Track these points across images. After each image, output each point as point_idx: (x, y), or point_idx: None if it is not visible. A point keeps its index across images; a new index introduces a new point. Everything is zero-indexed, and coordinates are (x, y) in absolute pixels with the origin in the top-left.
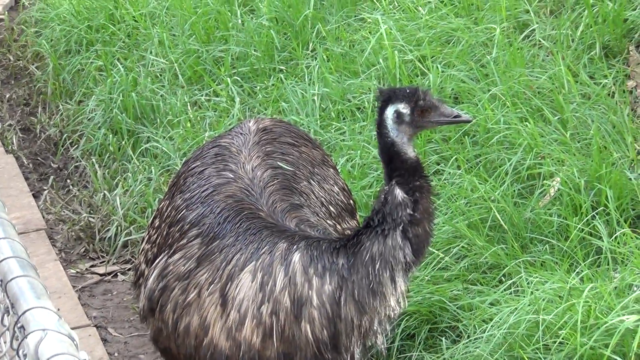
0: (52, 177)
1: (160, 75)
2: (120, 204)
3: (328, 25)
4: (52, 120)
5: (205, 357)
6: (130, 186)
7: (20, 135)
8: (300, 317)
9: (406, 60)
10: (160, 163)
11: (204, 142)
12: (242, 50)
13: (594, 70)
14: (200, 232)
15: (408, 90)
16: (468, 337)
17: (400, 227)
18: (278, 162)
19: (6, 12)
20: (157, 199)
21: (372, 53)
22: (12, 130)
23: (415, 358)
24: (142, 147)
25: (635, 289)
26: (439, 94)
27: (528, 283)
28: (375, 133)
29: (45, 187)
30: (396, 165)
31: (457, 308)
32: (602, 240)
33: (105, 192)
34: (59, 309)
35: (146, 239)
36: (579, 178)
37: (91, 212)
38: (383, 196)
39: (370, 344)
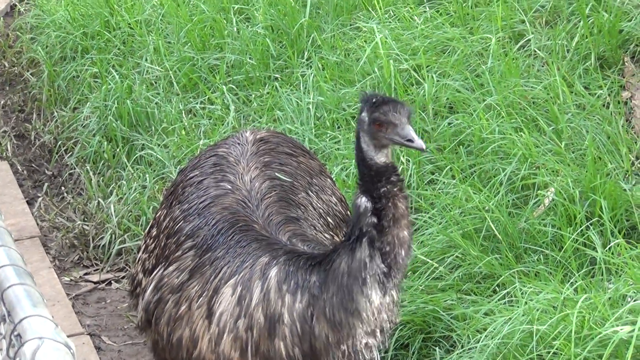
0: (46, 184)
1: (155, 82)
2: (115, 211)
3: (323, 34)
4: (47, 127)
5: None
6: (125, 194)
7: (15, 141)
8: (273, 334)
9: (401, 70)
10: (154, 171)
11: (200, 151)
12: (238, 58)
13: (589, 81)
14: (194, 244)
15: (374, 100)
16: (462, 347)
17: (366, 238)
18: (276, 173)
19: (1, 18)
20: (151, 207)
21: (368, 62)
22: (6, 136)
23: None
24: (136, 155)
25: (629, 299)
26: (433, 103)
27: (522, 293)
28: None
29: (39, 194)
30: (362, 172)
31: (451, 318)
32: (597, 251)
33: (100, 199)
34: (53, 317)
35: (143, 248)
36: (573, 188)
37: (85, 219)
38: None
39: (367, 357)
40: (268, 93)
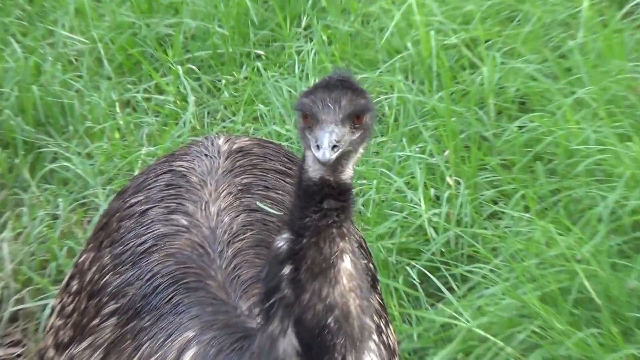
0: None
1: (77, 60)
2: (9, 254)
3: None
4: None
5: None
6: (26, 227)
7: None
8: None
9: (447, 45)
10: (72, 193)
11: (151, 164)
12: (201, 26)
13: None
14: (118, 308)
15: (319, 82)
16: None
17: (278, 300)
18: (258, 202)
19: None
20: (65, 249)
21: (397, 33)
22: None
23: None
24: (45, 169)
25: None
26: (496, 96)
27: None
28: None
29: None
30: (294, 193)
31: None
32: None
33: None
34: None
35: (58, 309)
36: None
37: None
38: None
39: None
40: (246, 78)
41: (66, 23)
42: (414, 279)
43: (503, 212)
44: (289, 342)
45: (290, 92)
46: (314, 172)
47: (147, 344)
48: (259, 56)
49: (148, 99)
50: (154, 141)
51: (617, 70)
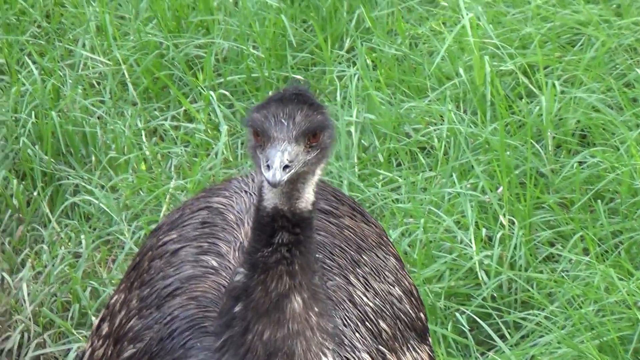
0: None
1: (99, 83)
2: (29, 295)
3: (376, 10)
4: None
5: None
6: (46, 266)
7: None
8: None
9: (503, 72)
10: (95, 229)
11: (188, 199)
12: (234, 47)
13: None
14: (135, 353)
15: (272, 95)
16: None
17: (227, 335)
18: None
19: None
20: (89, 289)
21: (448, 58)
22: None
23: None
24: (66, 202)
25: None
26: (555, 128)
27: None
28: None
29: None
30: (252, 222)
31: None
32: None
33: (4, 274)
34: None
35: (88, 354)
36: None
37: None
38: None
39: None
40: None
41: (87, 42)
42: (464, 326)
43: (560, 255)
44: None
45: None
46: (268, 200)
47: None
48: (297, 81)
49: (177, 127)
50: (184, 173)
51: None
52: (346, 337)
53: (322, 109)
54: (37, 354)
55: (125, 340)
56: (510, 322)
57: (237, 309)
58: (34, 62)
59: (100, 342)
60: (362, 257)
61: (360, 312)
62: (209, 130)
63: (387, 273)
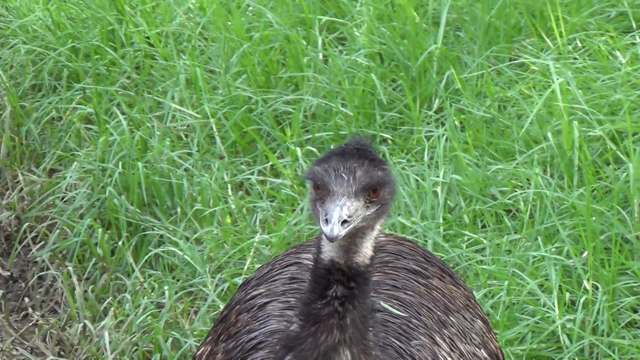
0: (0, 291)
1: (187, 136)
2: (111, 343)
3: (465, 72)
4: (6, 198)
5: None
6: (128, 315)
7: None
8: None
9: (592, 138)
10: (178, 280)
11: (279, 254)
12: (322, 104)
13: None
14: None
15: (334, 148)
16: None
17: None
18: (382, 303)
19: None
20: (170, 340)
21: (536, 121)
22: None
23: None
24: (150, 253)
25: None
26: None
27: None
28: None
29: None
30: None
31: None
32: None
33: (87, 322)
34: None
35: None
36: None
37: (62, 353)
38: None
39: None
40: None
41: (176, 94)
42: None
43: None
44: None
45: (417, 180)
46: (325, 252)
47: None
48: (385, 140)
49: (263, 182)
50: (269, 228)
51: None
52: None
53: (383, 165)
54: None
55: None
56: None
57: (287, 358)
58: (123, 113)
59: None
60: (449, 318)
61: None
62: (295, 186)
63: (473, 335)
